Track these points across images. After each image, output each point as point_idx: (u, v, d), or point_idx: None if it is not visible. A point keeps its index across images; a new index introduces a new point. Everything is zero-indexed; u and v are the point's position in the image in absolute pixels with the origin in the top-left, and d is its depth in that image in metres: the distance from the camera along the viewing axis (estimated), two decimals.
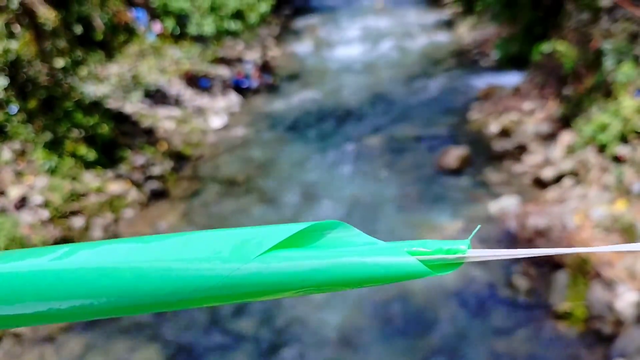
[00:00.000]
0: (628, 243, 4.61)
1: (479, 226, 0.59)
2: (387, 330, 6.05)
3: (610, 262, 6.35)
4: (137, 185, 8.80)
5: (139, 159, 9.29)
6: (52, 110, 8.67)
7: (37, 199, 7.38)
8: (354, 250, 0.55)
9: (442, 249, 0.52)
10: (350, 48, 18.33)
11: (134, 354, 5.90)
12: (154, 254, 0.54)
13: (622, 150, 7.33)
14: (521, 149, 9.64)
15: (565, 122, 9.50)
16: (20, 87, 8.43)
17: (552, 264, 6.55)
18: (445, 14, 22.56)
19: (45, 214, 7.28)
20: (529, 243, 7.04)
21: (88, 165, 8.52)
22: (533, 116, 10.38)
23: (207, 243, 0.57)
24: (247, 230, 0.57)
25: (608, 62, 8.47)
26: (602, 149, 7.87)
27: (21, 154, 7.99)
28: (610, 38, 9.11)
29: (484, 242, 7.31)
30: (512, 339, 5.73)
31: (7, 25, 8.96)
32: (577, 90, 9.42)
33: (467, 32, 18.17)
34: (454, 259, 0.52)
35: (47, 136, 8.23)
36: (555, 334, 5.73)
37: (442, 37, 18.81)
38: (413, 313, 6.28)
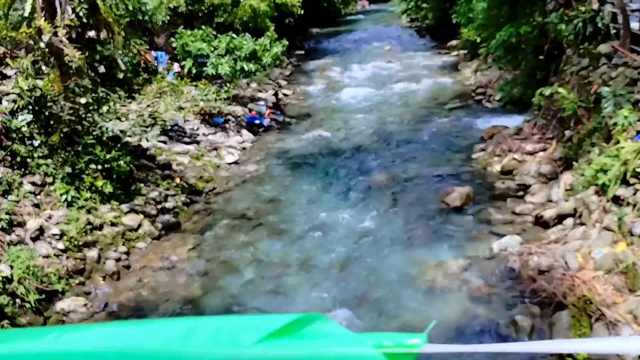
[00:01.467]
0: (630, 284, 4.41)
1: (434, 322, 0.73)
2: None
3: (613, 303, 6.17)
4: (150, 218, 8.78)
5: (153, 193, 9.30)
6: (72, 145, 8.74)
7: (53, 230, 7.37)
8: (331, 342, 0.67)
9: (402, 343, 0.64)
10: (359, 89, 18.47)
11: None
12: (142, 338, 0.62)
13: (622, 191, 7.22)
14: (524, 189, 9.53)
15: (566, 163, 9.41)
16: (44, 122, 8.53)
17: (555, 304, 6.38)
18: (451, 57, 22.77)
19: (60, 245, 7.26)
20: (532, 282, 6.88)
21: (104, 198, 8.53)
22: (535, 157, 10.30)
23: (201, 329, 0.68)
24: (242, 319, 0.74)
25: (607, 106, 8.42)
26: (603, 190, 7.75)
27: (41, 186, 8.02)
28: (609, 83, 9.10)
29: (488, 280, 7.16)
30: None
31: (35, 63, 9.13)
32: (578, 132, 9.36)
33: (471, 74, 18.27)
34: (410, 351, 0.66)
35: (67, 169, 8.27)
36: None
37: (448, 80, 18.93)
38: None
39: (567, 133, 9.91)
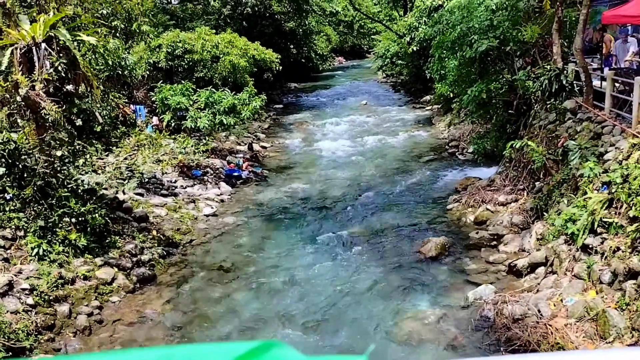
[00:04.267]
0: (600, 331, 4.54)
1: (372, 346, 0.85)
2: None
3: (586, 348, 6.24)
4: (125, 271, 8.68)
5: (129, 245, 9.22)
6: (46, 198, 8.68)
7: (23, 285, 7.23)
8: None
9: None
10: (336, 142, 18.82)
11: None
12: None
13: (591, 240, 7.42)
14: (497, 238, 9.71)
15: (537, 213, 9.66)
16: (17, 175, 8.50)
17: (529, 352, 6.41)
18: (425, 111, 23.45)
19: (29, 300, 7.11)
20: (506, 330, 6.93)
21: (78, 251, 8.43)
22: (507, 207, 10.55)
23: (175, 357, 0.73)
24: (210, 346, 0.79)
25: (574, 159, 8.75)
26: (572, 239, 7.94)
27: (11, 240, 7.92)
28: (575, 137, 9.48)
29: (463, 329, 7.19)
30: None
31: (10, 116, 9.18)
32: (547, 183, 9.66)
33: (445, 128, 18.81)
34: None
35: (39, 223, 8.20)
36: None
37: (422, 133, 19.43)
38: None
39: (537, 184, 10.22)
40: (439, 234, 10.05)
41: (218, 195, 12.94)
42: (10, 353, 6.28)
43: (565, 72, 10.78)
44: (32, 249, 7.85)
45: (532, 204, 9.95)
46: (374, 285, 8.60)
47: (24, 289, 7.16)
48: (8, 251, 7.67)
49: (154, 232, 10.02)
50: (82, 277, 8.07)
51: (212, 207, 11.99)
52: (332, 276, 8.97)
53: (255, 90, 16.70)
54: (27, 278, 7.39)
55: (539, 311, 7.09)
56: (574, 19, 11.87)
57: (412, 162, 15.64)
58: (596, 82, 10.61)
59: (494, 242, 9.59)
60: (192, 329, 7.62)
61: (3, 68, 8.76)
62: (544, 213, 9.23)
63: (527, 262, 8.44)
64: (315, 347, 7.12)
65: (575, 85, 10.64)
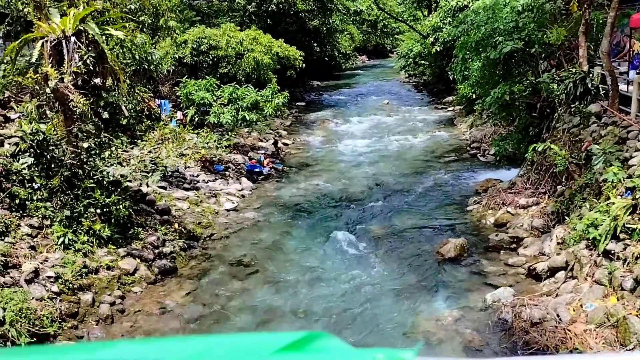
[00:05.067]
0: (621, 338, 4.49)
1: (421, 343, 0.87)
2: None
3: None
4: (147, 262, 8.80)
5: (151, 237, 9.35)
6: (72, 188, 8.85)
7: (48, 273, 7.38)
8: (332, 356, 0.77)
9: (395, 356, 0.72)
10: (358, 140, 18.81)
11: None
12: (164, 354, 0.67)
13: (613, 246, 7.30)
14: (517, 241, 9.62)
15: (558, 217, 9.53)
16: (45, 165, 8.68)
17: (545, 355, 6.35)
18: (447, 112, 23.29)
19: (54, 288, 7.25)
20: (525, 334, 6.87)
21: (102, 241, 8.58)
22: (528, 210, 10.43)
23: (217, 346, 0.73)
24: (253, 336, 0.82)
25: (598, 163, 8.62)
26: (594, 244, 7.83)
27: (38, 228, 8.08)
28: (599, 141, 9.33)
29: (481, 332, 7.14)
30: None
31: (39, 107, 9.37)
32: (569, 187, 9.53)
33: (467, 129, 18.65)
34: None
35: (66, 212, 8.36)
36: None
37: (444, 134, 19.30)
38: None
39: (559, 188, 10.08)
40: (458, 235, 9.98)
41: (239, 190, 13.03)
42: (35, 339, 6.42)
43: (590, 75, 10.61)
44: (58, 238, 8.00)
45: (553, 207, 9.82)
46: (392, 284, 8.58)
47: (49, 277, 7.30)
48: (35, 239, 7.83)
49: (176, 225, 10.14)
50: (105, 267, 8.21)
51: (233, 202, 12.08)
52: (351, 274, 8.97)
53: (278, 87, 16.77)
54: (53, 266, 7.54)
55: (558, 316, 7.00)
56: (601, 21, 11.67)
57: (433, 162, 15.55)
58: (622, 86, 10.43)
59: (514, 245, 9.50)
60: (211, 321, 7.70)
61: (34, 60, 8.93)
62: (565, 217, 9.10)
63: (547, 266, 8.34)
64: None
65: (600, 88, 10.46)
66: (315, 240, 10.40)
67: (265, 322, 7.64)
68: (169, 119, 15.60)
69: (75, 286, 7.50)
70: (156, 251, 9.17)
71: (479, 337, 7.05)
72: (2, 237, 7.37)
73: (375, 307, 7.99)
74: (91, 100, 9.41)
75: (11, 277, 6.92)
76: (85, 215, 8.62)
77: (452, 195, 12.63)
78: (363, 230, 10.69)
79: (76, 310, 7.22)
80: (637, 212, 7.31)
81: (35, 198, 8.31)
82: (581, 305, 7.09)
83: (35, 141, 8.55)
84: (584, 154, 9.39)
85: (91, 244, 8.42)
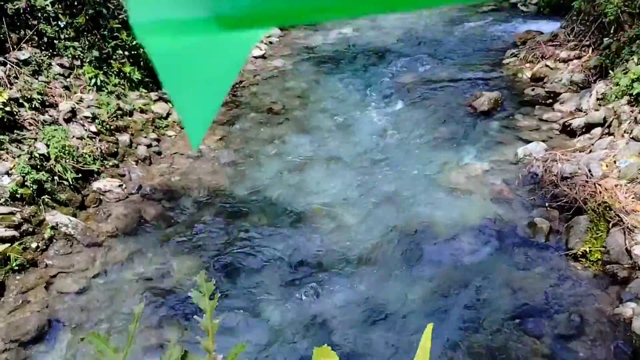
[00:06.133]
0: None
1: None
2: (409, 260, 6.15)
3: (633, 211, 6.28)
4: None
5: None
6: (98, 29, 8.62)
7: (85, 113, 7.47)
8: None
9: None
10: None
11: (173, 262, 6.13)
12: None
13: None
14: (553, 97, 9.37)
15: (601, 71, 9.16)
16: (69, 3, 8.37)
17: (575, 209, 6.51)
18: None
19: (92, 128, 7.39)
20: (554, 187, 6.97)
21: (133, 84, 8.55)
22: (569, 64, 10.02)
23: None
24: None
25: None
26: (636, 100, 7.61)
27: (69, 68, 8.03)
28: None
29: (510, 184, 7.27)
30: (529, 275, 5.79)
31: None
32: (617, 40, 9.01)
33: None
34: None
35: (94, 53, 8.23)
36: (570, 274, 5.77)
37: None
38: (434, 244, 6.35)
39: (606, 40, 9.54)
40: (492, 89, 9.74)
41: (267, 37, 12.60)
42: (80, 174, 6.70)
43: None
44: (90, 79, 7.98)
45: (596, 61, 9.39)
46: (422, 135, 8.60)
47: (86, 117, 7.41)
48: (68, 79, 7.82)
49: None
50: (139, 110, 8.27)
51: (260, 49, 11.76)
52: (380, 124, 8.97)
53: None
54: (88, 107, 7.61)
55: (590, 171, 7.04)
56: None
57: (469, 12, 14.68)
58: None
59: (550, 100, 9.28)
60: (244, 166, 7.91)
61: None
62: (609, 72, 8.74)
63: (583, 122, 8.21)
64: (359, 185, 7.35)
65: None
66: (344, 89, 10.25)
67: (297, 169, 7.83)
68: None
69: (112, 127, 7.63)
70: None
71: (508, 189, 7.19)
72: (37, 76, 7.35)
73: (404, 156, 8.08)
74: None
75: (50, 116, 7.02)
76: (114, 56, 8.50)
77: (487, 47, 12.10)
78: (393, 81, 10.47)
79: (115, 150, 7.43)
80: None
81: (62, 37, 8.14)
82: (615, 162, 7.09)
83: None
84: (639, 2, 8.73)
85: (123, 87, 8.42)
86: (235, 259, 6.19)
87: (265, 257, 6.21)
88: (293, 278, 5.95)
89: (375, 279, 5.93)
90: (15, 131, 6.41)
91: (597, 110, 8.34)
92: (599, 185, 6.74)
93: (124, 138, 7.64)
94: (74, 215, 6.32)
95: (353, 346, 5.19)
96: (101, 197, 6.75)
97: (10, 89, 6.72)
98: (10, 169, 5.94)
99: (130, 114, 8.10)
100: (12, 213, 5.66)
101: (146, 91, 8.66)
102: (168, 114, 8.53)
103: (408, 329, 5.29)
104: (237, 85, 10.29)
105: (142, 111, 8.28)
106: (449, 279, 5.85)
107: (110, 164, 7.19)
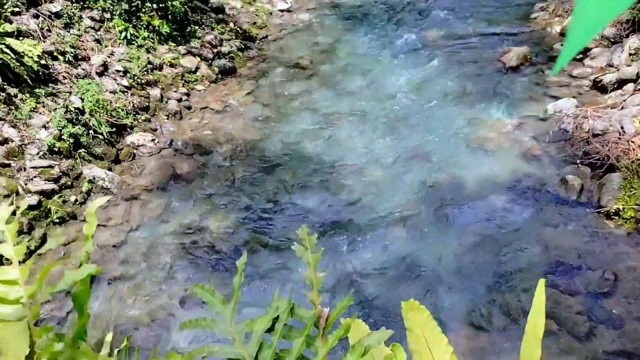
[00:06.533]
0: None
1: None
2: (439, 217, 6.01)
3: None
4: (207, 61, 8.60)
5: (209, 36, 9.00)
6: None
7: (116, 67, 7.28)
8: None
9: None
10: None
11: (206, 216, 6.06)
12: None
13: None
14: (583, 52, 8.93)
15: (634, 26, 8.67)
16: None
17: (607, 166, 6.26)
18: None
19: (124, 82, 7.22)
20: (585, 144, 6.71)
21: (162, 38, 8.30)
22: None
23: None
24: None
25: None
26: None
27: (100, 22, 7.79)
28: None
29: (540, 140, 7.01)
30: (561, 233, 5.63)
31: None
32: None
33: None
34: None
35: (124, 6, 7.96)
36: (603, 231, 5.59)
37: None
38: (465, 202, 6.18)
39: None
40: (521, 44, 9.31)
41: None
42: (114, 128, 6.58)
43: None
44: (120, 32, 7.74)
45: (629, 15, 8.88)
46: (449, 91, 8.29)
47: (118, 71, 7.22)
48: (98, 33, 7.59)
49: (231, 25, 9.68)
50: (168, 64, 8.05)
51: (286, 2, 11.33)
52: (408, 79, 8.66)
53: None
54: (119, 60, 7.41)
55: (622, 128, 6.74)
56: None
57: None
58: None
59: (580, 56, 8.84)
60: (274, 120, 7.72)
61: None
62: None
63: (615, 77, 7.83)
64: (388, 141, 7.15)
65: None
66: (371, 44, 9.89)
67: (326, 124, 7.63)
68: None
69: (143, 81, 7.45)
70: (214, 50, 8.90)
71: (538, 146, 6.94)
72: (68, 29, 7.13)
73: (432, 112, 7.82)
74: None
75: (83, 69, 6.85)
76: (143, 9, 8.21)
77: (515, 1, 11.53)
78: (421, 36, 10.05)
79: (147, 104, 7.26)
80: None
81: None
82: None
83: None
84: None
85: (152, 40, 8.17)
86: (266, 214, 6.10)
87: (295, 213, 6.11)
88: (323, 234, 5.85)
89: (406, 236, 5.81)
90: (50, 85, 6.26)
91: (629, 65, 7.94)
92: (632, 142, 6.46)
93: (155, 92, 7.47)
94: (110, 169, 6.23)
95: (384, 302, 5.12)
96: (135, 151, 6.65)
97: (44, 42, 6.53)
98: (47, 123, 5.83)
99: (160, 68, 7.90)
100: (50, 166, 5.58)
101: (175, 45, 8.41)
102: (197, 68, 8.31)
103: (439, 287, 5.20)
104: (263, 39, 9.97)
105: (171, 65, 8.06)
106: (480, 236, 5.71)
107: (142, 118, 7.05)
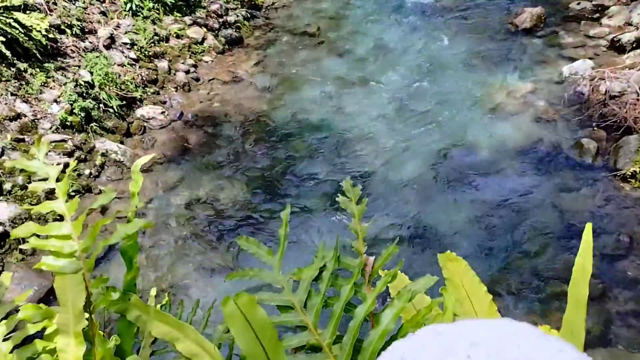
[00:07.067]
0: None
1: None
2: (452, 183, 6.04)
3: None
4: (213, 31, 8.56)
5: (214, 5, 8.94)
6: None
7: (123, 39, 7.29)
8: None
9: None
10: None
11: (219, 187, 6.14)
12: None
13: None
14: (601, 11, 8.78)
15: None
16: None
17: (624, 129, 6.23)
18: None
19: (132, 54, 7.23)
20: (602, 106, 6.66)
21: (167, 8, 8.26)
22: None
23: None
24: None
25: None
26: None
27: None
28: None
29: (555, 103, 6.96)
30: (576, 196, 5.64)
31: None
32: None
33: None
34: None
35: None
36: (618, 194, 5.60)
37: None
38: (478, 169, 6.20)
39: None
40: (534, 4, 9.13)
41: None
42: (124, 102, 6.63)
43: None
44: (125, 3, 7.72)
45: None
46: (462, 56, 8.21)
47: (125, 43, 7.23)
48: (104, 4, 7.58)
49: None
50: (174, 35, 8.03)
51: None
52: (419, 45, 8.58)
53: None
54: (126, 33, 7.40)
55: None
56: None
57: None
58: None
59: (597, 15, 8.69)
60: (282, 90, 7.72)
61: None
62: None
63: (634, 36, 7.70)
64: (399, 108, 7.14)
65: None
66: (380, 9, 9.76)
67: (335, 94, 7.61)
68: None
69: (150, 53, 7.45)
70: (220, 20, 8.85)
71: (553, 110, 6.89)
72: (74, 2, 7.13)
73: (445, 77, 7.77)
74: None
75: (90, 42, 6.87)
76: None
77: None
78: (431, 0, 9.90)
79: (155, 77, 7.28)
80: None
81: None
82: None
83: None
84: None
85: (157, 11, 8.14)
86: (277, 184, 6.16)
87: (306, 181, 6.17)
88: (335, 202, 5.91)
89: (418, 202, 5.86)
90: (59, 59, 6.30)
91: None
92: None
93: (163, 64, 7.48)
94: (122, 143, 6.31)
95: (394, 265, 5.20)
96: (145, 124, 6.70)
97: (51, 15, 6.54)
98: (58, 97, 5.89)
99: (167, 39, 7.89)
100: (64, 140, 5.66)
101: (180, 15, 8.38)
102: (203, 39, 8.28)
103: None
104: (268, 7, 9.88)
105: (177, 36, 8.04)
106: (494, 203, 5.74)
107: (151, 91, 7.08)
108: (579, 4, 9.06)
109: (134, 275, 1.01)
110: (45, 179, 1.08)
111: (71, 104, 5.91)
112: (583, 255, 0.92)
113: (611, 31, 8.16)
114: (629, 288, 4.67)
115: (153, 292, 1.33)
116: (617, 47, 7.78)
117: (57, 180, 1.07)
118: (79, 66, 6.45)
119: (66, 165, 5.05)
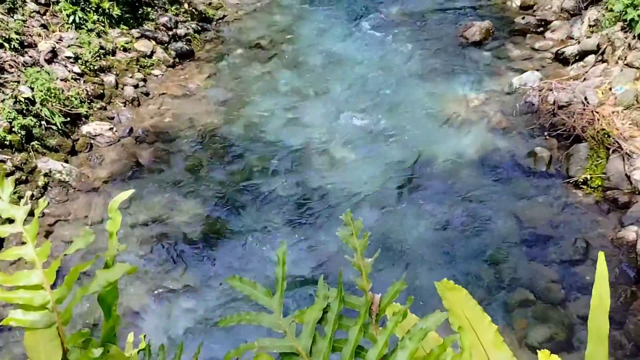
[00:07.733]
0: None
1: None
2: (410, 194, 6.07)
3: (630, 137, 6.26)
4: (163, 44, 8.36)
5: (163, 18, 8.74)
6: None
7: (66, 53, 6.99)
8: None
9: None
10: None
11: (173, 205, 5.93)
12: None
13: None
14: (544, 25, 9.14)
15: None
16: None
17: (573, 137, 6.45)
18: None
19: (76, 68, 6.94)
20: (551, 116, 6.89)
21: (113, 21, 8.01)
22: None
23: None
24: None
25: None
26: (630, 26, 7.46)
27: (45, 5, 7.45)
28: None
29: (507, 114, 7.15)
30: (532, 204, 5.78)
31: None
32: None
33: None
34: None
35: None
36: (573, 201, 5.77)
37: None
38: (435, 179, 6.26)
39: None
40: (482, 18, 9.43)
41: None
42: (69, 118, 6.33)
43: None
44: (68, 16, 7.43)
45: None
46: (415, 68, 8.34)
47: (68, 57, 6.94)
48: (44, 17, 7.26)
49: (186, 6, 9.42)
50: (121, 48, 7.79)
51: None
52: (370, 57, 8.66)
53: None
54: (69, 46, 7.11)
55: (586, 99, 6.95)
56: None
57: None
58: None
59: (541, 29, 9.05)
60: (236, 103, 7.60)
61: None
62: None
63: (576, 49, 8.04)
64: (354, 120, 7.16)
65: None
66: (331, 23, 9.82)
67: (289, 106, 7.56)
68: None
69: (95, 67, 7.18)
70: (170, 33, 8.65)
71: (506, 119, 7.08)
72: (12, 15, 6.79)
73: (396, 88, 7.86)
74: None
75: (30, 57, 6.55)
76: None
77: None
78: (381, 14, 10.05)
79: (101, 91, 7.02)
80: None
81: None
82: (610, 89, 7.00)
83: None
84: None
85: (103, 24, 7.87)
86: (235, 200, 6.02)
87: (265, 197, 6.06)
88: (294, 216, 5.83)
89: (378, 215, 5.85)
90: None
91: (589, 37, 8.17)
92: (597, 112, 6.68)
93: (109, 79, 7.22)
94: (66, 162, 6.01)
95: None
96: (92, 141, 6.43)
97: None
98: None
99: (113, 53, 7.63)
100: (2, 161, 5.33)
101: (127, 28, 8.14)
102: (152, 52, 8.07)
103: (415, 264, 5.27)
104: (220, 20, 9.76)
105: (125, 50, 7.80)
106: (452, 211, 5.80)
107: (98, 106, 6.81)
108: (523, 18, 9.41)
109: (113, 324, 0.89)
110: (11, 221, 0.95)
111: (10, 122, 5.58)
112: (598, 287, 0.87)
113: (555, 44, 8.50)
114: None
115: (130, 337, 1.20)
116: (562, 59, 8.11)
117: (25, 223, 0.94)
118: (19, 82, 6.12)
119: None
